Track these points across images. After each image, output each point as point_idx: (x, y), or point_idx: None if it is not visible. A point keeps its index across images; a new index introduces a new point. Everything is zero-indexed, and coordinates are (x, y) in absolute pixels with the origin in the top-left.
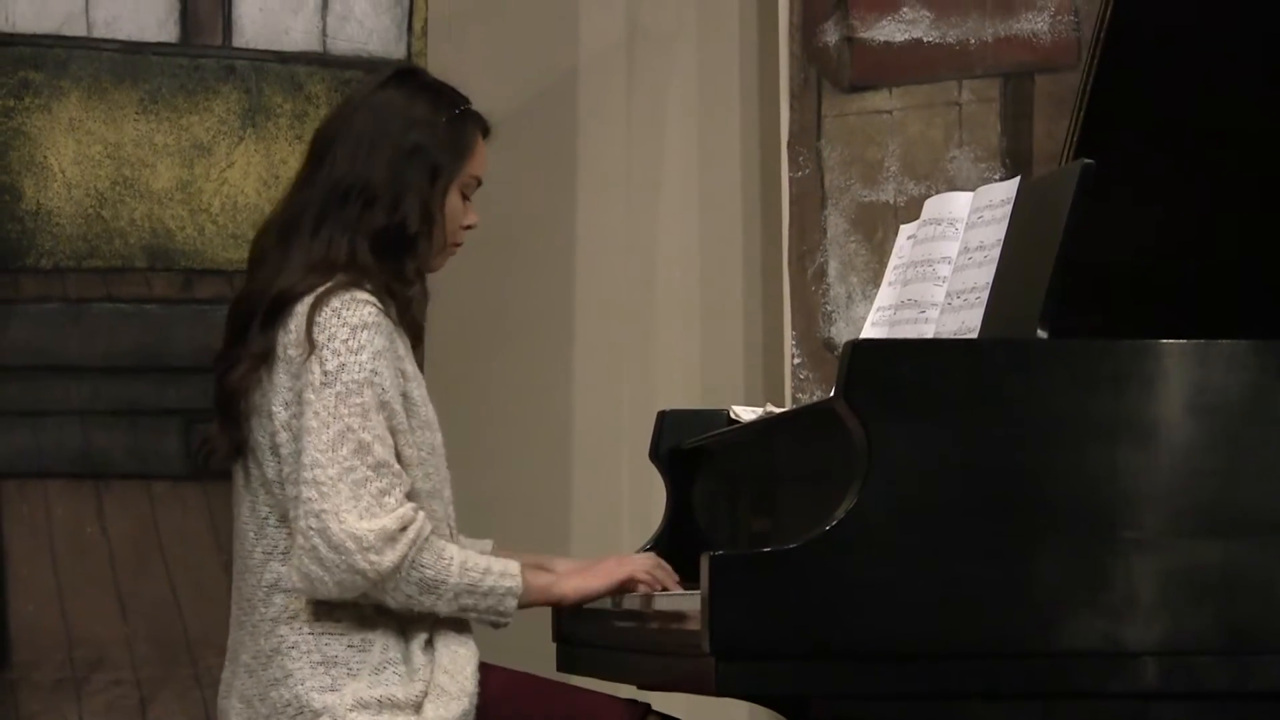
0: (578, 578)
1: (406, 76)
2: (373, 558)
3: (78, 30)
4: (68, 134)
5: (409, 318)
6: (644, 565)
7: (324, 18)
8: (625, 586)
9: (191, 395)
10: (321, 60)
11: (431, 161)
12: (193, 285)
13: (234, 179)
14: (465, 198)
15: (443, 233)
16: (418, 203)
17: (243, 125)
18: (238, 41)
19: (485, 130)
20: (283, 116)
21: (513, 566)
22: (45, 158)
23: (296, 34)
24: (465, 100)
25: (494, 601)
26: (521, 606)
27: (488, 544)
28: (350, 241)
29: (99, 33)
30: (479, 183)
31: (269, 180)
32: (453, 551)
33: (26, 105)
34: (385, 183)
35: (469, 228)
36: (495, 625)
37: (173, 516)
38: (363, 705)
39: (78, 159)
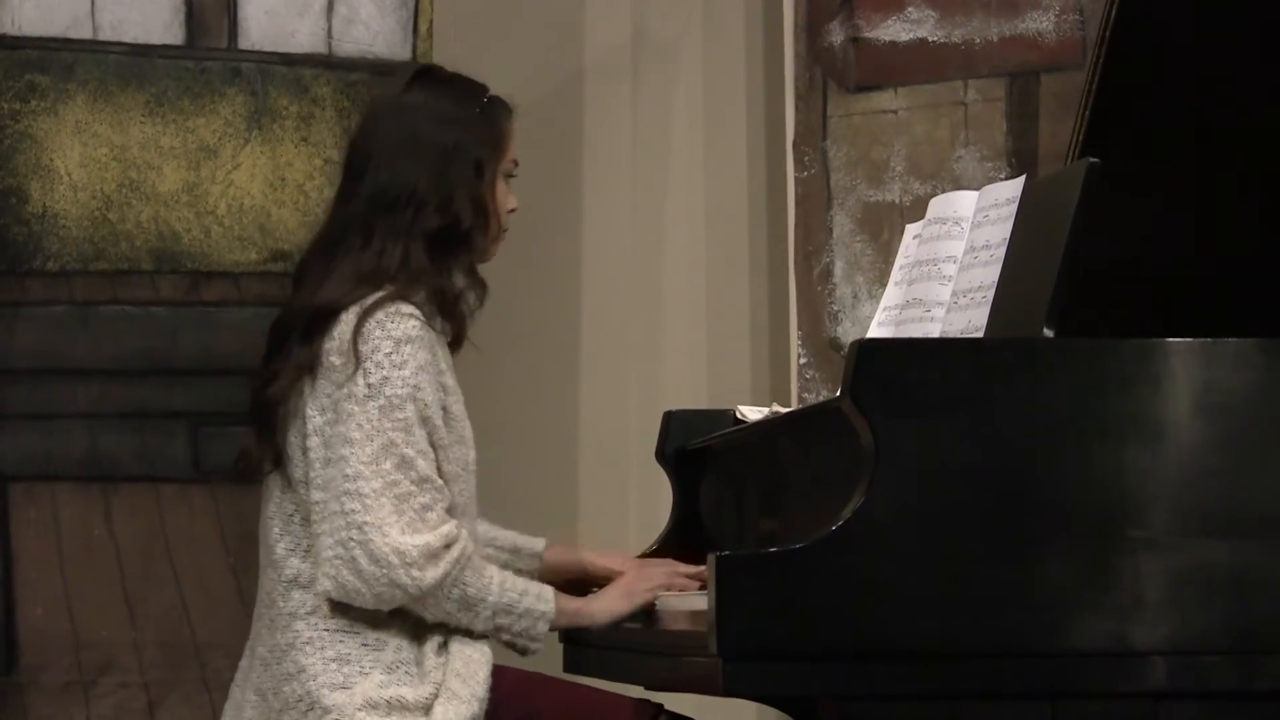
0: (606, 603)
1: (426, 76)
2: (415, 573)
3: (83, 33)
4: (74, 137)
5: (461, 315)
6: (662, 579)
7: (329, 20)
8: (653, 604)
9: (199, 398)
10: (327, 63)
11: (473, 156)
12: (199, 287)
13: (240, 181)
14: (506, 181)
15: (497, 222)
16: (468, 199)
17: (248, 128)
18: (243, 44)
19: (510, 112)
20: (288, 119)
21: (547, 591)
22: (51, 161)
23: (302, 36)
24: (486, 88)
25: (528, 624)
26: (553, 629)
27: (540, 541)
28: (404, 248)
29: (105, 36)
30: (516, 164)
31: (275, 182)
32: (493, 571)
33: (33, 108)
34: (432, 185)
35: (512, 211)
36: (525, 651)
37: (180, 519)
38: (371, 705)
39: (84, 162)
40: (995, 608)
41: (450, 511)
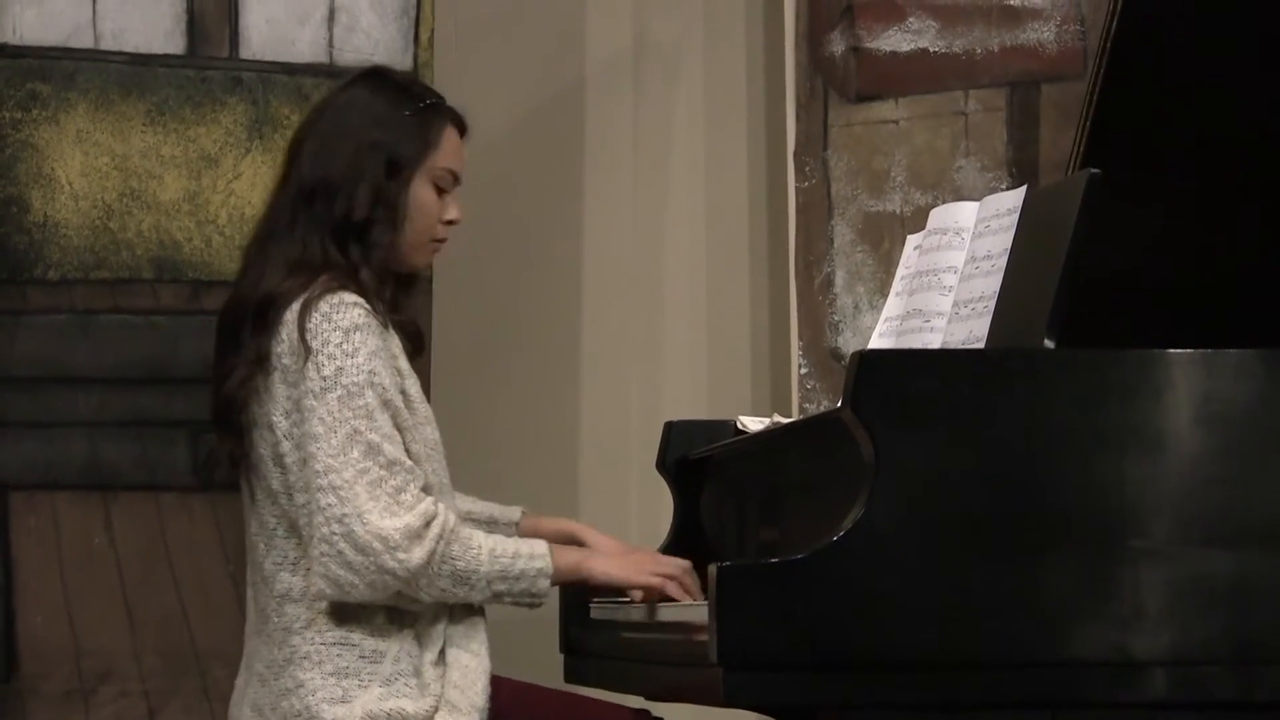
0: (606, 562)
1: (372, 76)
2: (400, 556)
3: (85, 42)
4: (75, 146)
5: (401, 320)
6: (671, 575)
7: (330, 29)
8: (648, 591)
9: (199, 406)
10: (328, 71)
11: (389, 153)
12: (200, 296)
13: (241, 190)
14: (441, 191)
15: (415, 227)
16: (369, 190)
17: (249, 137)
18: (244, 53)
19: (460, 126)
20: (289, 128)
21: (540, 546)
22: (53, 169)
23: (303, 45)
24: (435, 96)
25: (526, 584)
26: (553, 585)
27: (516, 511)
28: (320, 238)
29: (106, 45)
30: (455, 178)
31: None
32: (480, 539)
33: (34, 117)
34: (342, 177)
35: (451, 223)
36: (531, 607)
37: (180, 527)
38: (371, 718)
39: (85, 171)
40: (996, 618)
41: (426, 490)
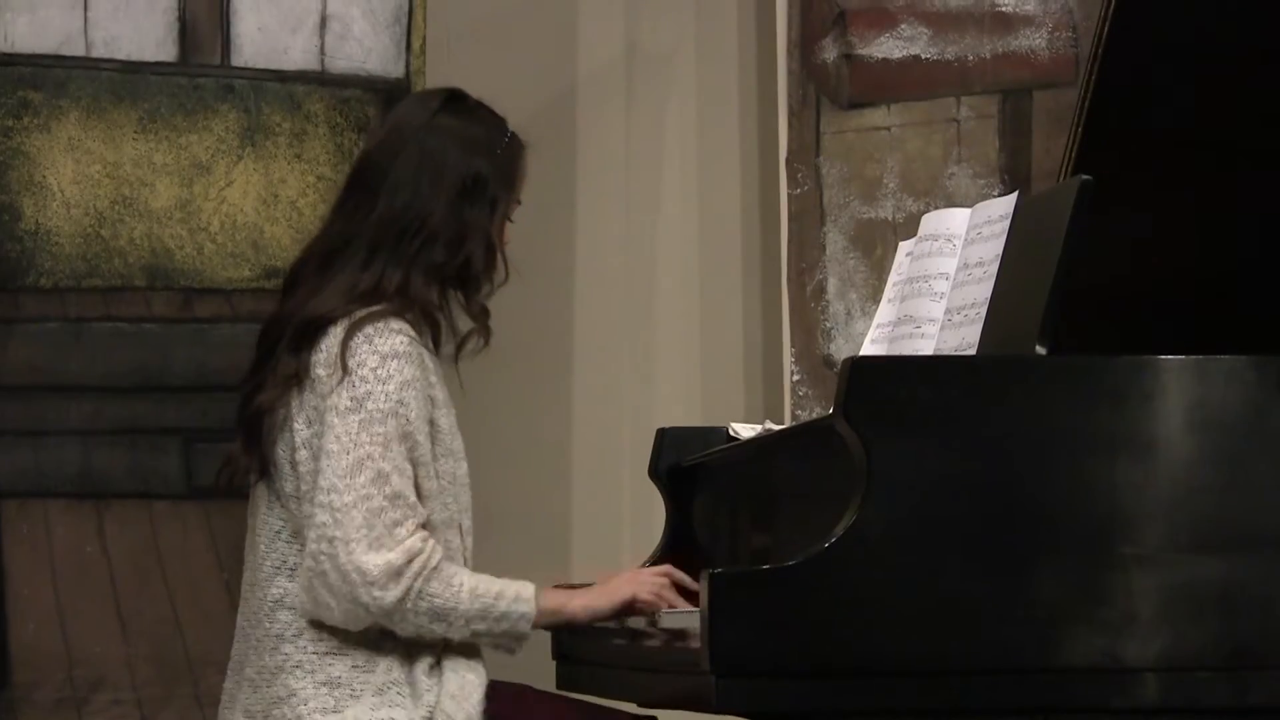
0: (587, 598)
1: (456, 103)
2: (376, 593)
3: (76, 50)
4: (67, 153)
5: (439, 344)
6: (649, 587)
7: (322, 37)
8: (632, 608)
9: (191, 414)
10: (320, 79)
11: (490, 195)
12: (192, 304)
13: (233, 198)
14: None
15: (503, 261)
16: (482, 241)
17: (241, 144)
18: (236, 61)
19: (524, 150)
20: (281, 135)
21: (526, 590)
22: (45, 177)
23: (295, 53)
24: (506, 122)
25: (508, 626)
26: (535, 628)
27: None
28: (404, 274)
29: (98, 52)
30: (519, 204)
31: (268, 199)
32: (463, 577)
33: (26, 125)
34: (447, 220)
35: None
36: (511, 651)
37: (173, 535)
38: None
39: (77, 178)
40: (987, 624)
41: (428, 528)
